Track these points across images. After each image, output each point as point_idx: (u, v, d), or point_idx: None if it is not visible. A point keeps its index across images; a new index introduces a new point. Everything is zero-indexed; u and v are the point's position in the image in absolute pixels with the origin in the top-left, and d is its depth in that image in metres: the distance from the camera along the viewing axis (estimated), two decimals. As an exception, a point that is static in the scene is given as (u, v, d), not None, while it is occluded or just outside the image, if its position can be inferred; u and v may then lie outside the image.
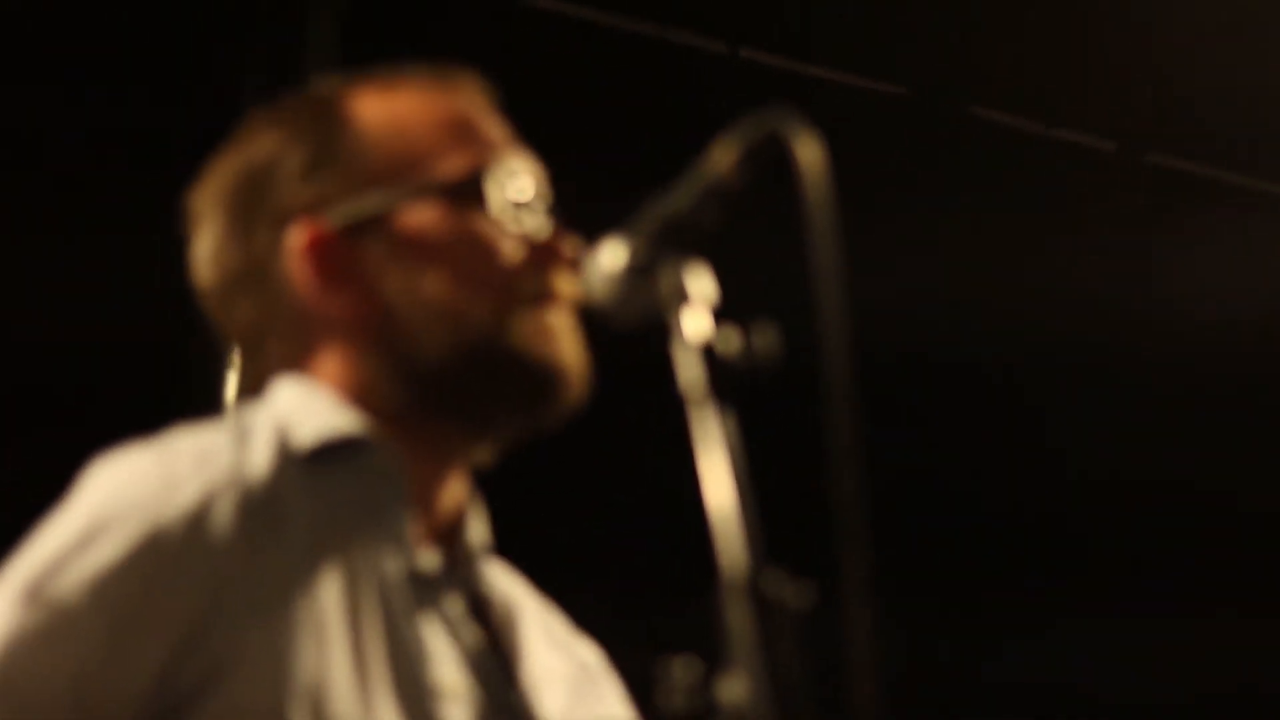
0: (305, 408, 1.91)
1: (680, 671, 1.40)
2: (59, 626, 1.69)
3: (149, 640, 1.71)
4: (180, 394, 4.34)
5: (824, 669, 1.40)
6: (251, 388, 2.02)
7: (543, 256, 1.95)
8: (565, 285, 1.95)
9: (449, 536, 1.98)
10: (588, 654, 2.13)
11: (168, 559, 1.73)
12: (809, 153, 1.50)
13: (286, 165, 1.97)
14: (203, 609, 1.73)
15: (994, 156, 5.54)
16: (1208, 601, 5.84)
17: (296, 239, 1.94)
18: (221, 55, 4.60)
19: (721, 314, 1.56)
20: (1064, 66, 5.39)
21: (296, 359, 1.97)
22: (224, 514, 1.77)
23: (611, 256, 1.65)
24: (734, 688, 1.35)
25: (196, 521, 1.75)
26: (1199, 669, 5.75)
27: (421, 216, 1.94)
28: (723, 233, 1.63)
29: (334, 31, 4.59)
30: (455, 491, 2.00)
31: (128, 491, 1.78)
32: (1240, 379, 6.03)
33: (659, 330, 1.58)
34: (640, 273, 1.62)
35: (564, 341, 1.94)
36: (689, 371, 1.51)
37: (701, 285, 1.58)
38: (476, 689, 1.90)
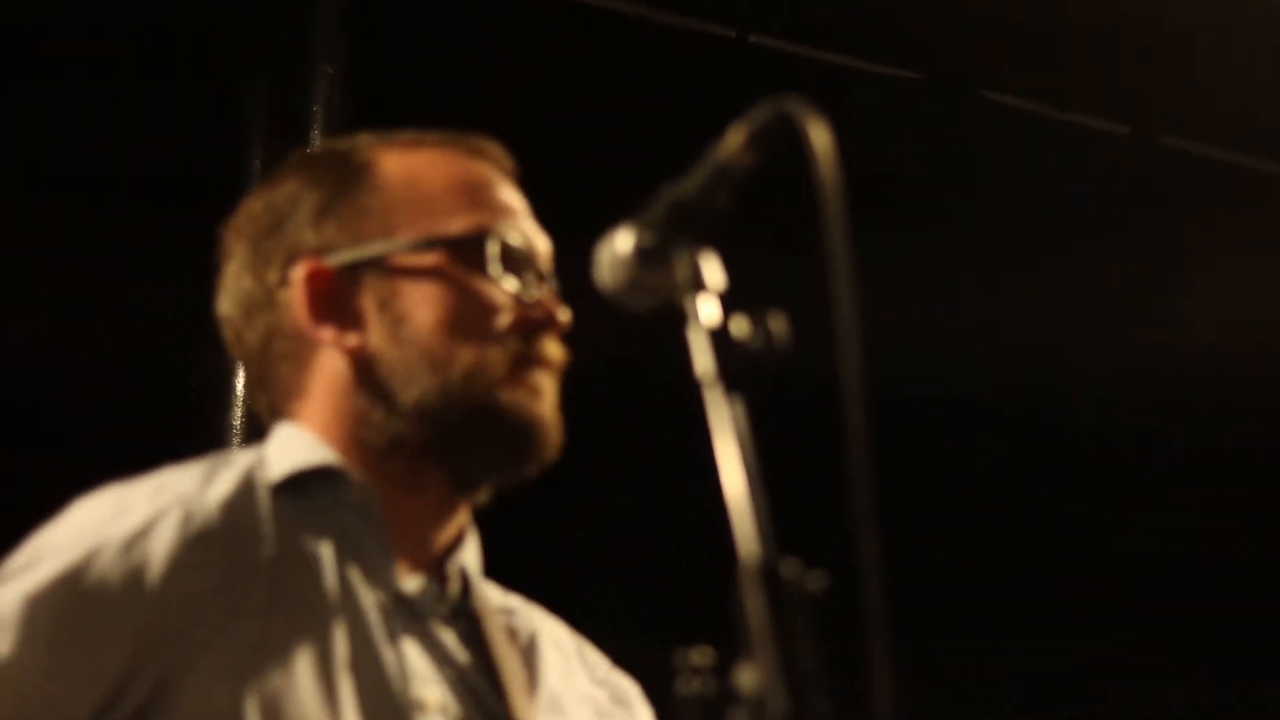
0: (285, 445, 2.02)
1: (697, 660, 1.40)
2: None
3: (90, 654, 1.79)
4: (184, 419, 4.35)
5: (839, 656, 1.40)
6: (261, 415, 2.13)
7: (534, 320, 2.04)
8: (553, 350, 2.04)
9: (440, 564, 2.06)
10: (626, 687, 2.19)
11: (100, 578, 1.82)
12: (820, 138, 1.49)
13: (303, 207, 2.09)
14: (143, 624, 1.81)
15: (1007, 140, 5.52)
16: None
17: (298, 272, 2.05)
18: (225, 52, 4.59)
19: (734, 302, 1.55)
20: (1077, 49, 5.37)
21: (294, 386, 2.07)
22: (164, 536, 1.86)
23: (623, 242, 1.65)
24: (750, 675, 1.35)
25: (132, 542, 1.85)
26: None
27: (419, 265, 2.04)
28: (735, 222, 1.63)
29: (338, 28, 4.57)
30: (451, 525, 2.08)
31: (81, 521, 1.89)
32: (1260, 384, 5.98)
33: (670, 315, 1.57)
34: (652, 258, 1.62)
35: (544, 400, 2.03)
36: (702, 357, 1.50)
37: (713, 271, 1.57)
38: (462, 706, 1.96)
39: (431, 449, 2.01)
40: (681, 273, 1.58)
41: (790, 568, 1.38)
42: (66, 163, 4.62)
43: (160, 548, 1.84)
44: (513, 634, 2.10)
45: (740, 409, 1.47)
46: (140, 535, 1.85)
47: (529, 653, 2.10)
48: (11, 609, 1.78)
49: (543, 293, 2.06)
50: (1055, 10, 5.20)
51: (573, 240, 2.09)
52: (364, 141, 2.15)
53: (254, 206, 2.13)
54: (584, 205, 2.03)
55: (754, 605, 1.36)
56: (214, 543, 1.87)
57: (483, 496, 2.09)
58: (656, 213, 1.63)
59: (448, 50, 4.92)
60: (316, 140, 4.43)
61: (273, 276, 2.07)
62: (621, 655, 2.19)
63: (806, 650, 1.35)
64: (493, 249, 2.04)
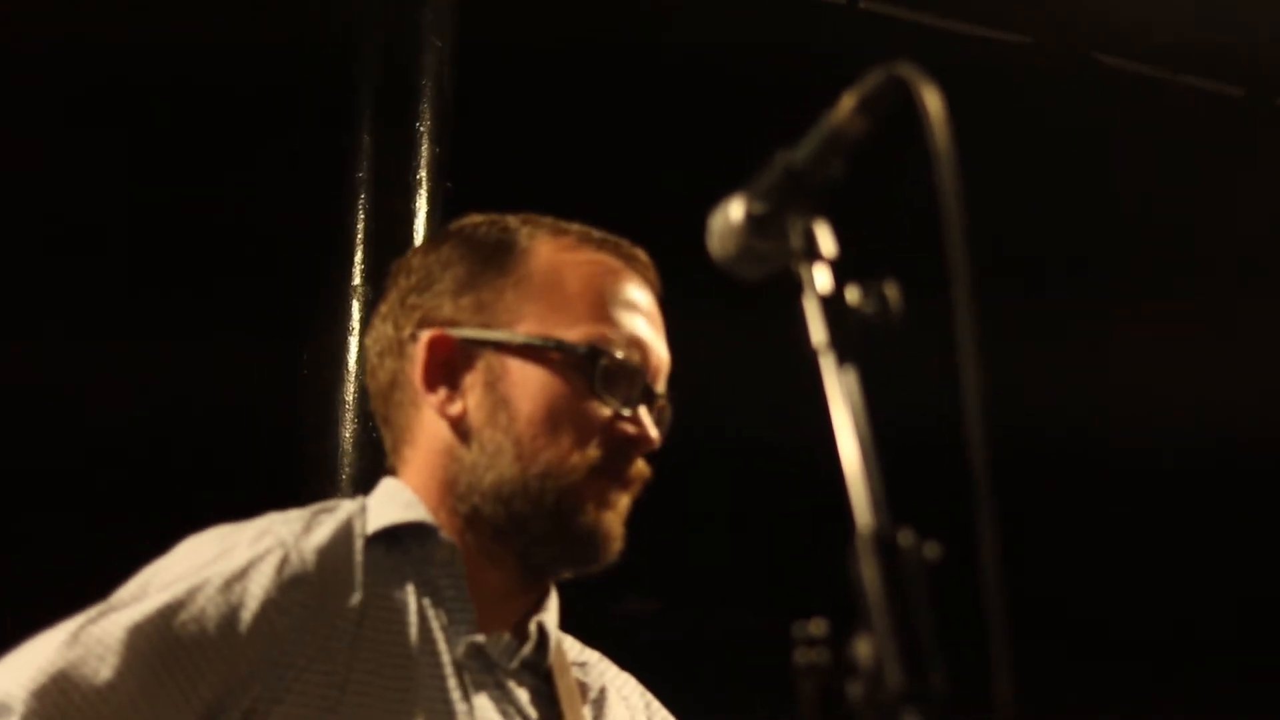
0: (386, 498, 2.16)
1: (813, 631, 1.39)
2: (92, 664, 1.88)
3: (184, 684, 1.92)
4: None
5: (957, 626, 1.39)
6: (385, 456, 2.26)
7: (624, 438, 2.14)
8: (635, 469, 2.15)
9: (520, 625, 2.17)
10: None
11: (198, 614, 1.95)
12: (933, 102, 1.47)
13: (448, 277, 2.22)
14: (235, 660, 1.94)
15: (1120, 104, 5.46)
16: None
17: (425, 335, 2.19)
18: (332, 24, 4.59)
19: (847, 269, 1.54)
20: (1190, 11, 5.30)
21: (406, 433, 2.21)
22: (261, 578, 1.99)
23: (736, 210, 1.64)
24: (866, 646, 1.34)
25: (231, 582, 1.98)
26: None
27: (533, 359, 2.15)
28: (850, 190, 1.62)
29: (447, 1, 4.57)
30: (530, 595, 2.19)
31: (188, 559, 2.02)
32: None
33: (783, 282, 1.56)
34: (765, 226, 1.61)
35: (612, 512, 2.13)
36: (816, 326, 1.49)
37: (826, 239, 1.56)
38: None
39: (502, 532, 2.13)
40: (795, 241, 1.57)
41: (906, 538, 1.37)
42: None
43: (256, 589, 1.98)
44: (584, 688, 2.22)
45: (854, 378, 1.46)
46: (239, 576, 1.99)
47: (598, 706, 2.23)
48: (116, 637, 1.90)
49: (640, 412, 2.15)
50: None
51: (686, 211, 2.08)
52: (528, 228, 2.25)
53: (414, 262, 2.27)
54: (697, 174, 2.03)
55: (870, 576, 1.35)
56: (307, 587, 2.01)
57: (561, 577, 2.21)
58: (769, 181, 1.62)
59: (556, 19, 4.92)
60: (426, 114, 4.44)
61: (406, 330, 2.21)
62: (740, 625, 2.21)
63: (923, 621, 1.34)
64: (601, 364, 2.13)
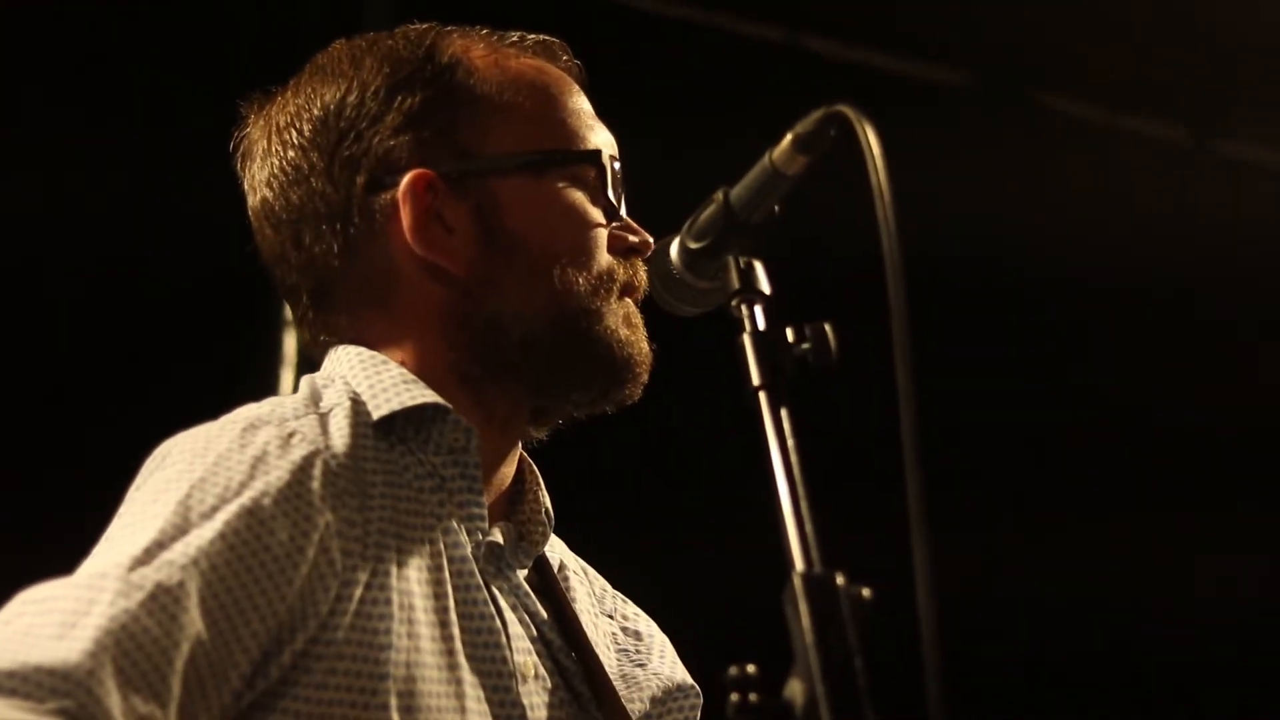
0: (377, 382, 1.89)
1: (746, 674, 1.38)
2: (158, 615, 1.63)
3: (251, 619, 1.69)
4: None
5: (888, 668, 1.39)
6: (316, 337, 1.99)
7: (630, 244, 1.94)
8: (641, 278, 1.93)
9: (506, 506, 1.98)
10: (633, 616, 2.13)
11: (265, 537, 1.71)
12: (872, 141, 1.48)
13: (394, 110, 1.92)
14: (301, 584, 1.71)
15: (1063, 144, 5.48)
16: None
17: (402, 183, 1.90)
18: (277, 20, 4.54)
19: (782, 310, 1.54)
20: (1133, 53, 5.33)
21: (376, 306, 1.94)
22: (315, 488, 1.75)
23: (675, 248, 1.64)
24: (799, 687, 1.33)
25: (289, 498, 1.74)
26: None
27: (531, 182, 1.92)
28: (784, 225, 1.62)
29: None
30: (511, 463, 1.99)
31: (218, 474, 1.75)
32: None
33: (720, 321, 1.56)
34: (703, 264, 1.61)
35: (642, 333, 1.94)
36: (751, 364, 1.49)
37: (763, 278, 1.56)
38: (548, 668, 1.91)
39: (530, 380, 1.92)
40: (732, 279, 1.57)
41: (840, 579, 1.36)
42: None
43: (315, 504, 1.75)
44: (548, 567, 2.03)
45: (789, 417, 1.46)
46: (289, 493, 1.74)
47: (563, 580, 2.04)
48: (177, 580, 1.66)
49: (628, 218, 1.97)
50: (1111, 14, 5.16)
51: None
52: (440, 35, 1.98)
53: (318, 98, 1.96)
54: (636, 210, 2.01)
55: (803, 617, 1.34)
56: (353, 499, 1.79)
57: (540, 432, 2.00)
58: (708, 219, 1.62)
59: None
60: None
61: (357, 186, 1.91)
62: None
63: (856, 661, 1.33)
64: (604, 171, 1.94)
